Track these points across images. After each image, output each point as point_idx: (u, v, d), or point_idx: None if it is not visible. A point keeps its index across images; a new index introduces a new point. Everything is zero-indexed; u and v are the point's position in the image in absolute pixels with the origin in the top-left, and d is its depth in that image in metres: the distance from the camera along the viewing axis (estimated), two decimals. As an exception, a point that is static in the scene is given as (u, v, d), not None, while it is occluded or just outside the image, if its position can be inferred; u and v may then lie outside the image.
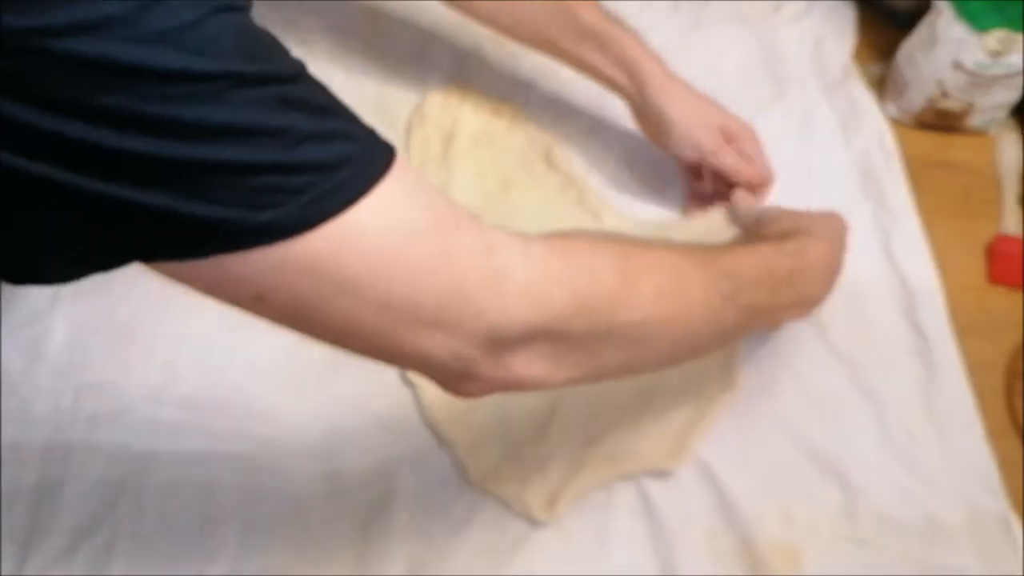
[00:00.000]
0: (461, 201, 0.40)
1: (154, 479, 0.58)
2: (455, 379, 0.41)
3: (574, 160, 0.75)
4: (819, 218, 0.61)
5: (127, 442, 0.59)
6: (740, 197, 0.68)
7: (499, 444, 0.60)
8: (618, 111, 0.74)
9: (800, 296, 0.58)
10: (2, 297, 0.63)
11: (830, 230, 0.61)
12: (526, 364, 0.41)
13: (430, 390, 0.62)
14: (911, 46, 0.78)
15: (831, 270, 0.60)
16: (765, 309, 0.55)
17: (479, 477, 0.59)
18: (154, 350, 0.63)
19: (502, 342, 0.40)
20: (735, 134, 0.69)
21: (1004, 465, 0.62)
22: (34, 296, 0.64)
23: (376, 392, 0.63)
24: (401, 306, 0.36)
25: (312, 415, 0.61)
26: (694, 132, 0.67)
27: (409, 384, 0.63)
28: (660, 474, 0.59)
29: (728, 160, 0.68)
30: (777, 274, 0.55)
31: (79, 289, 0.64)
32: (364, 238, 0.34)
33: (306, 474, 0.59)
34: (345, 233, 0.34)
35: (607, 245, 0.46)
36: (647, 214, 0.73)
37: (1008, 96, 0.76)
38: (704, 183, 0.71)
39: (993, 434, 0.64)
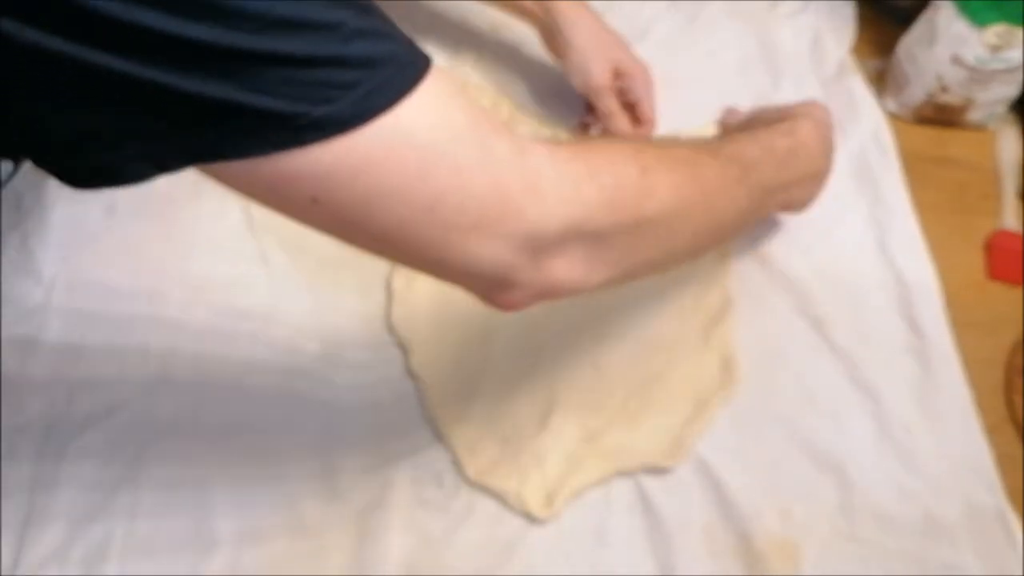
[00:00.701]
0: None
1: (149, 476, 0.58)
2: (497, 287, 0.42)
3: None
4: (800, 105, 0.64)
5: (122, 439, 0.59)
6: (728, 112, 0.71)
7: (497, 440, 0.60)
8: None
9: (803, 172, 0.61)
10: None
11: (813, 113, 0.63)
12: (564, 267, 0.43)
13: (433, 384, 0.62)
14: (911, 41, 0.77)
15: (825, 145, 0.63)
16: (773, 188, 0.58)
17: (477, 473, 0.58)
18: (148, 347, 0.63)
19: (541, 244, 0.41)
20: (627, 71, 0.71)
21: (1002, 461, 0.62)
22: (28, 293, 0.63)
23: (373, 388, 0.62)
24: (446, 207, 0.37)
25: (308, 412, 0.61)
26: (588, 64, 0.70)
27: (411, 378, 0.62)
28: (658, 471, 0.59)
29: (604, 102, 0.70)
30: (778, 153, 0.58)
31: (73, 285, 0.65)
32: (411, 136, 0.35)
33: (302, 471, 0.59)
34: (394, 130, 0.35)
35: (621, 144, 0.48)
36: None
37: (1007, 91, 0.76)
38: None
39: (992, 430, 0.64)
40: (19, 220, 0.67)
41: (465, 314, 0.65)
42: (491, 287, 0.42)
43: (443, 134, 0.37)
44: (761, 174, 0.56)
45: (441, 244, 0.39)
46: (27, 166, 0.69)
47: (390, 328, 0.65)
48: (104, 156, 0.33)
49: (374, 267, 0.67)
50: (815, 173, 0.63)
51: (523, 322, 0.65)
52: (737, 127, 0.66)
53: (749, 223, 0.62)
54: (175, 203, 0.69)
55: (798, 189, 0.62)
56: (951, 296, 0.69)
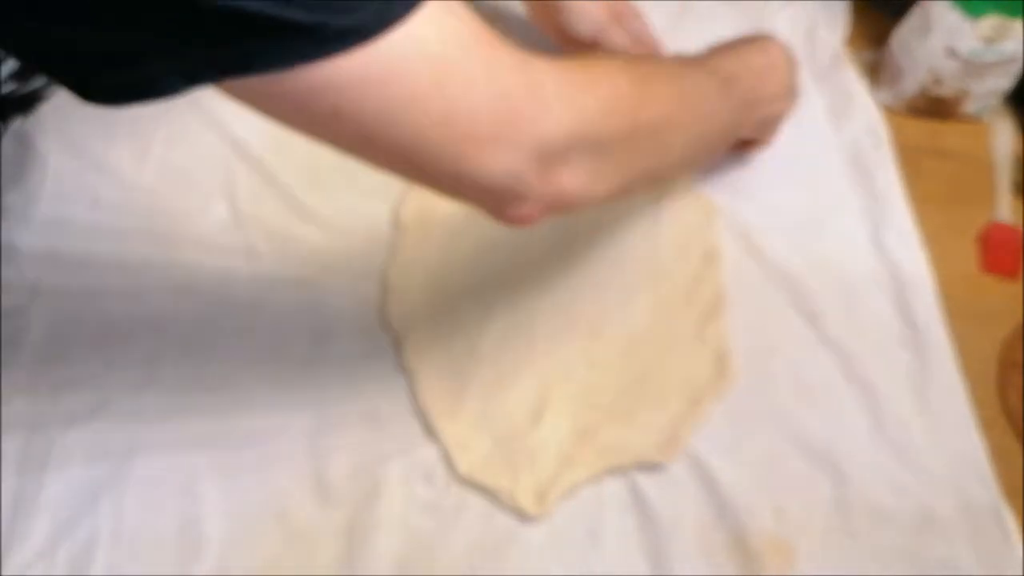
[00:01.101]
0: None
1: (135, 476, 0.57)
2: (509, 200, 0.44)
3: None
4: (755, 36, 0.66)
5: (107, 439, 0.58)
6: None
7: (489, 437, 0.59)
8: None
9: (777, 88, 0.65)
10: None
11: (770, 41, 0.66)
12: (570, 176, 0.45)
13: (425, 378, 0.61)
14: (904, 33, 0.77)
15: (793, 66, 0.67)
16: (752, 102, 0.62)
17: (468, 469, 0.58)
18: (134, 344, 0.62)
19: (549, 154, 0.43)
20: (621, 12, 0.72)
21: (997, 455, 0.62)
22: (12, 290, 0.63)
23: (363, 383, 0.62)
24: (460, 118, 0.39)
25: (297, 407, 0.60)
26: (587, 6, 0.70)
27: (402, 372, 0.62)
28: (652, 467, 0.59)
29: (618, 38, 0.71)
30: (753, 67, 0.62)
31: (59, 282, 0.64)
32: (425, 46, 0.37)
33: (291, 469, 0.58)
34: (409, 41, 0.36)
35: (613, 58, 0.53)
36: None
37: (1002, 83, 0.76)
38: None
39: (986, 424, 0.63)
40: (2, 216, 0.66)
41: (458, 308, 0.64)
42: (503, 200, 0.44)
43: (453, 45, 0.38)
44: (742, 88, 0.59)
45: (456, 155, 0.40)
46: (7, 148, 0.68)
47: (384, 322, 0.64)
48: (133, 72, 0.34)
49: (364, 260, 0.66)
50: (787, 90, 0.67)
51: (517, 316, 0.64)
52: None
53: (730, 139, 0.66)
54: (160, 198, 0.68)
55: (772, 105, 0.66)
56: (945, 289, 0.69)
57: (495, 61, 0.40)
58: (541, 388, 0.61)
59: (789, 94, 0.67)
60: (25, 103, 0.44)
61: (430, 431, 0.60)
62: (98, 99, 0.35)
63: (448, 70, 0.38)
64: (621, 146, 0.47)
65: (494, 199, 0.44)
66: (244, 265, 0.66)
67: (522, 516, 0.57)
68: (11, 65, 0.39)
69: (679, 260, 0.68)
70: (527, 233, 0.68)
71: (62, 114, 0.71)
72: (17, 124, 0.65)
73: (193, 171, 0.70)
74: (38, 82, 0.42)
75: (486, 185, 0.42)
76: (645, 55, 0.71)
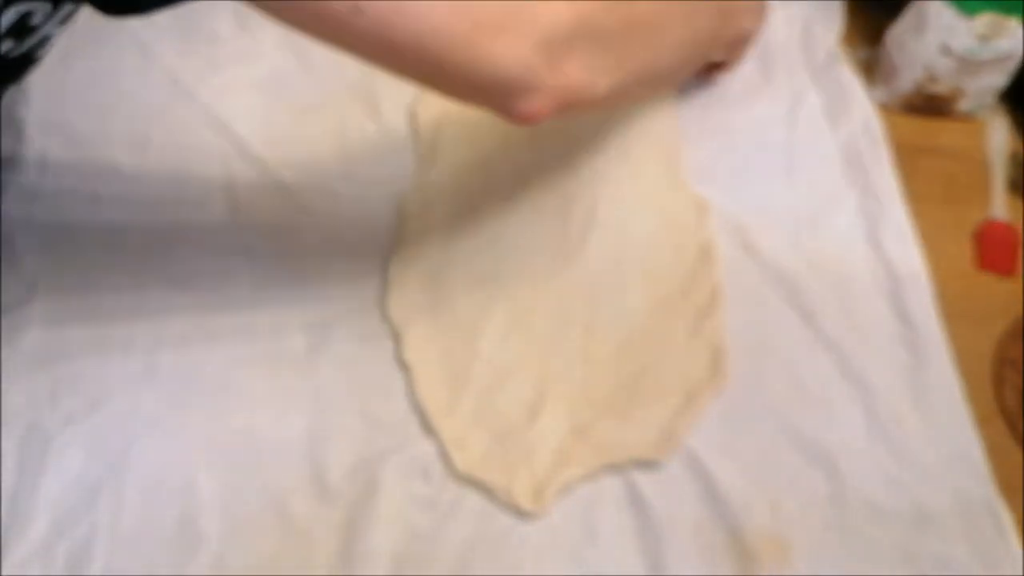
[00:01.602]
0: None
1: (133, 474, 0.57)
2: (520, 92, 0.47)
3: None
4: None
5: (105, 436, 0.58)
6: None
7: (486, 433, 0.59)
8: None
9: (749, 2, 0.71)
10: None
11: None
12: (576, 68, 0.48)
13: (424, 374, 0.62)
14: (899, 31, 0.77)
15: None
16: (728, 11, 0.67)
17: (465, 466, 0.58)
18: (131, 341, 0.62)
19: (554, 42, 0.46)
20: None
21: (993, 453, 0.62)
22: (9, 286, 0.63)
23: (361, 379, 0.62)
24: (472, 7, 0.43)
25: (295, 404, 0.61)
26: None
27: (401, 368, 0.62)
28: (648, 465, 0.59)
29: None
30: None
31: (57, 279, 0.64)
32: None
33: (289, 468, 0.58)
34: None
35: None
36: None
37: (997, 80, 0.76)
38: None
39: (982, 421, 0.64)
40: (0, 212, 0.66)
41: (457, 303, 0.65)
42: (514, 92, 0.47)
43: None
44: None
45: (467, 44, 0.43)
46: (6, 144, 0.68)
47: (385, 316, 0.64)
48: None
49: (364, 256, 0.67)
50: (758, 8, 0.73)
51: (515, 313, 0.64)
52: None
53: (708, 50, 0.70)
54: (159, 194, 0.68)
55: (744, 19, 0.71)
56: (940, 287, 0.69)
57: None
58: (538, 385, 0.62)
59: (759, 13, 0.73)
60: (18, 66, 0.44)
61: (428, 427, 0.60)
62: (105, 9, 0.36)
63: None
64: (620, 39, 0.51)
65: (505, 91, 0.47)
66: (243, 261, 0.66)
67: (519, 513, 0.57)
68: (11, 16, 0.39)
69: (675, 258, 0.68)
70: (527, 230, 0.68)
71: (61, 110, 0.71)
72: (9, 98, 0.65)
73: (192, 167, 0.70)
74: (32, 39, 0.42)
75: (498, 76, 0.45)
76: None
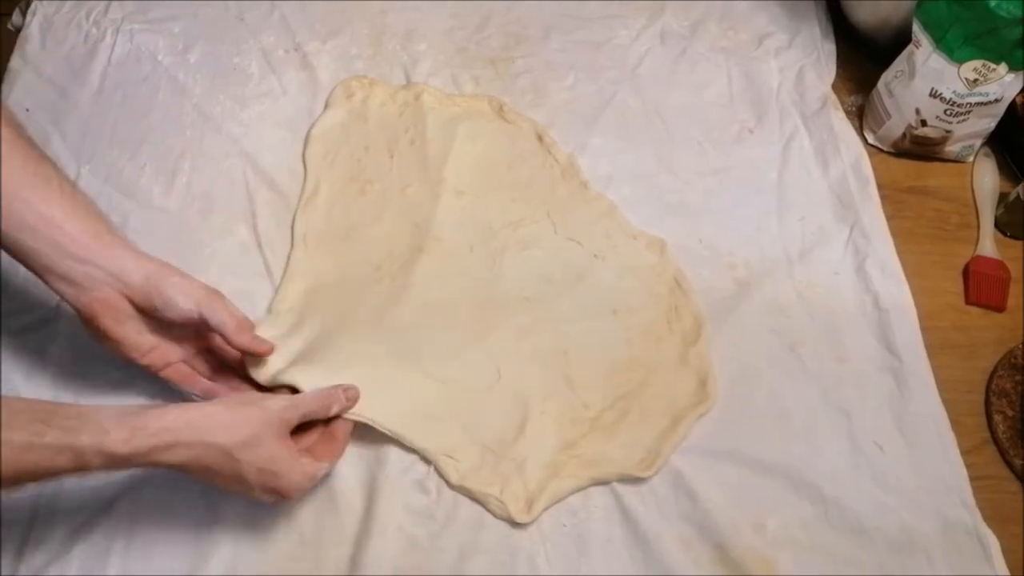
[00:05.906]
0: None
1: (151, 481, 0.59)
2: None
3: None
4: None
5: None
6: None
7: (477, 447, 0.61)
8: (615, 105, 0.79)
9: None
10: (3, 303, 0.65)
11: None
12: None
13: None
14: (890, 77, 0.80)
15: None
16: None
17: (459, 478, 0.60)
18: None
19: None
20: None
21: (982, 482, 0.63)
22: (39, 302, 0.65)
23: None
24: None
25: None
26: (186, 284, 0.58)
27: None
28: (635, 482, 0.61)
29: (220, 314, 0.58)
30: None
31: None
32: None
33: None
34: None
35: None
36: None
37: (984, 124, 0.78)
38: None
39: (971, 450, 0.65)
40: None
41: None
42: None
43: None
44: None
45: None
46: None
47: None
48: None
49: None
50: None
51: (487, 357, 0.66)
52: None
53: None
54: (185, 221, 0.71)
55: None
56: (930, 320, 0.71)
57: None
58: (519, 402, 0.63)
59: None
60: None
61: (413, 448, 0.61)
62: None
63: None
64: None
65: None
66: (262, 283, 0.69)
67: (512, 523, 0.59)
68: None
69: (649, 297, 0.70)
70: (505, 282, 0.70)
71: (93, 140, 0.74)
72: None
73: (216, 196, 0.73)
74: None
75: None
76: None
